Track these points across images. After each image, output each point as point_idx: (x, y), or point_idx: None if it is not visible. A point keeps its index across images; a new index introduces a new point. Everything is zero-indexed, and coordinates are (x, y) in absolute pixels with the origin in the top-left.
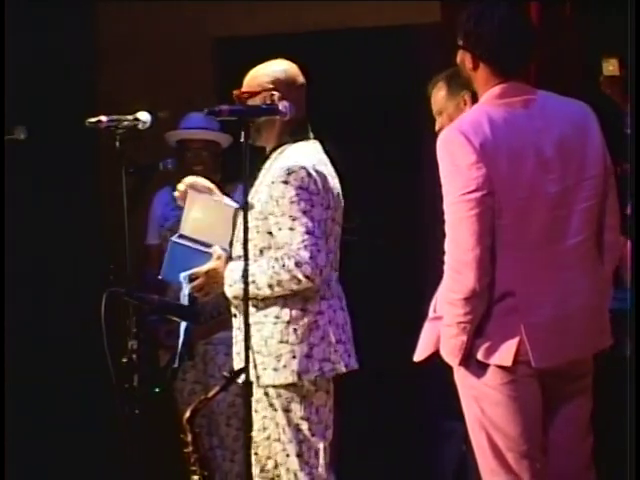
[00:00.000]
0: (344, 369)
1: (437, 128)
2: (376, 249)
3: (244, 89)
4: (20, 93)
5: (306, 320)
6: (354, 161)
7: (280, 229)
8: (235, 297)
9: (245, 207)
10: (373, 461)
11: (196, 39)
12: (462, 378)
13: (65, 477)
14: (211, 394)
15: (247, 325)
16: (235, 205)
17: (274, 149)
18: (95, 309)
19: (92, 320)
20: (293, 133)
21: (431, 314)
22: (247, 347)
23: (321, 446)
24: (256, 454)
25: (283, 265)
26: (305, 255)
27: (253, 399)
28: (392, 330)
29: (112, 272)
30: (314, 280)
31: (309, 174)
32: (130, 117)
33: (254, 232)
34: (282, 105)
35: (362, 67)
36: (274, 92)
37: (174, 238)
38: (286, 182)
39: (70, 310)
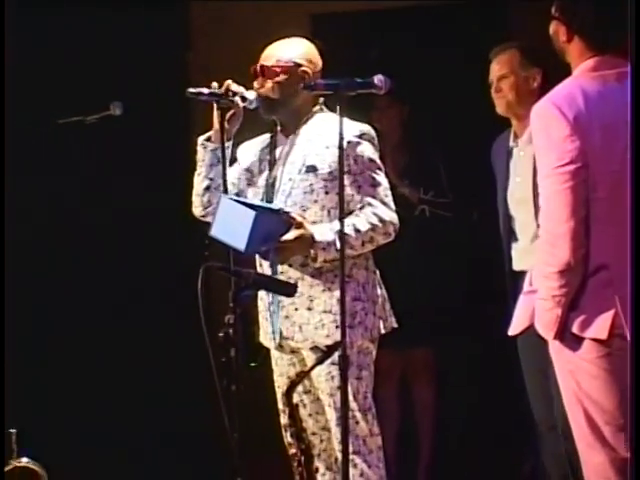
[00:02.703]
0: (395, 325)
1: (494, 91)
2: (471, 224)
3: (273, 63)
4: (116, 69)
5: (369, 278)
6: (448, 136)
7: (360, 186)
8: (325, 261)
9: (341, 172)
10: (472, 439)
11: (294, 16)
12: (557, 352)
13: (166, 450)
14: (308, 368)
15: (343, 297)
16: None
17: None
18: (192, 284)
19: (188, 295)
20: (313, 106)
21: (526, 287)
22: (343, 321)
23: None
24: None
25: (380, 221)
26: (391, 211)
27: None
28: (485, 304)
29: (207, 247)
30: (395, 235)
31: (376, 135)
32: (236, 92)
33: (322, 193)
34: (377, 79)
35: (453, 40)
36: (306, 69)
37: (253, 210)
38: (362, 142)
39: (165, 286)
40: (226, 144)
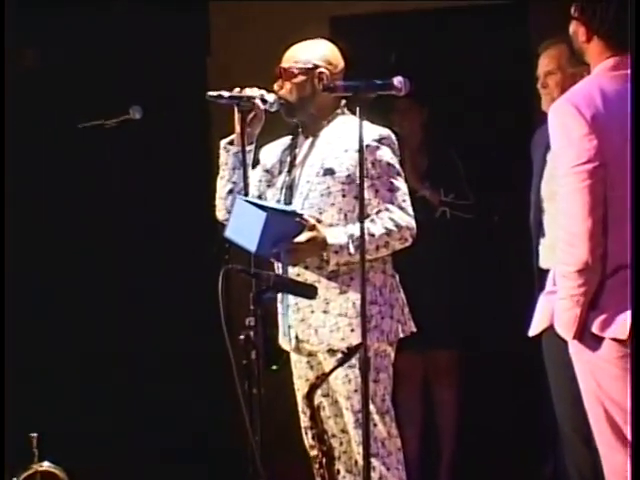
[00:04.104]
0: (414, 329)
1: (540, 86)
2: (492, 226)
3: (291, 65)
4: (135, 73)
5: (387, 282)
6: (468, 138)
7: (377, 191)
8: (337, 264)
9: (362, 175)
10: (493, 440)
11: (313, 18)
12: (577, 352)
13: (186, 453)
14: (329, 370)
15: (363, 300)
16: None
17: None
18: (212, 287)
19: (209, 298)
20: (334, 108)
21: (549, 287)
22: (364, 324)
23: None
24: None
25: (396, 226)
26: (409, 216)
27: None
28: (506, 304)
29: (227, 250)
30: (412, 240)
31: (396, 139)
32: (257, 95)
33: (339, 196)
34: (397, 80)
35: (472, 41)
36: (324, 70)
37: (264, 211)
38: (381, 146)
39: (186, 289)
40: (248, 147)
